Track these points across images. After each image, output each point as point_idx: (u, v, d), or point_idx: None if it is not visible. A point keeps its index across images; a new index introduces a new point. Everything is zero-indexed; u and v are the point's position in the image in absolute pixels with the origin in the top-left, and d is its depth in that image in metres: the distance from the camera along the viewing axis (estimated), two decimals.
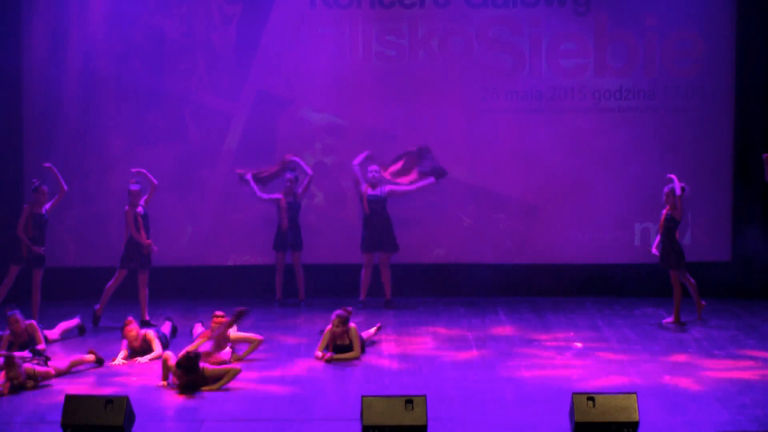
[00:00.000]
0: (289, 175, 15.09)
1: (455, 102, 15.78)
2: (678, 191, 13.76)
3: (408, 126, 15.78)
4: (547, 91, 15.78)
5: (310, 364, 11.97)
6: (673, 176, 13.89)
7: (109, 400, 9.15)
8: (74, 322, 13.54)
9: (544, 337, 13.39)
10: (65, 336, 13.28)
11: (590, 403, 9.14)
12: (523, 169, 15.82)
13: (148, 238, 13.95)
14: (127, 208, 13.92)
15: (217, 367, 11.21)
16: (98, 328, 13.83)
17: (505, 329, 13.79)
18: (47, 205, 13.93)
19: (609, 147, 15.77)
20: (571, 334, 13.50)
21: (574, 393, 9.26)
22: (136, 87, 15.73)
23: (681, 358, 12.24)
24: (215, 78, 15.80)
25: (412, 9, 15.77)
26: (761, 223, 15.57)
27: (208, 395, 10.82)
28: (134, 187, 13.94)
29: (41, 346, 12.28)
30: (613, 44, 15.76)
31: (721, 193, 15.73)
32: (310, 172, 15.18)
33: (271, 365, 12.00)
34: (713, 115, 15.75)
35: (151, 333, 12.46)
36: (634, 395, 9.24)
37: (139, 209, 13.93)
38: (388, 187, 15.02)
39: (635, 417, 9.14)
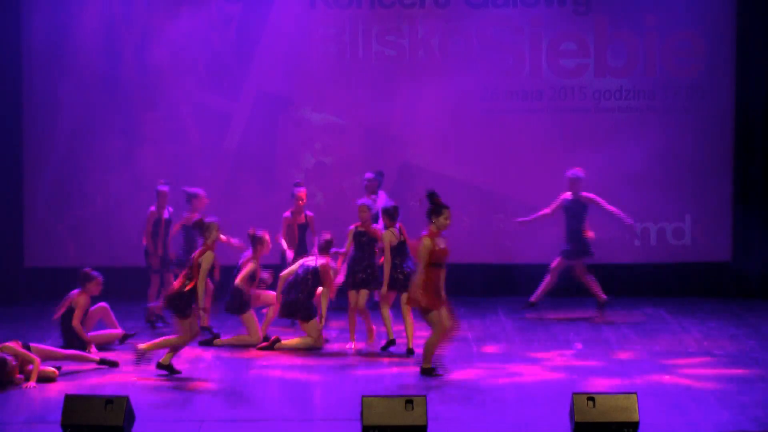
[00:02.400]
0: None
1: (455, 102, 15.78)
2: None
3: (408, 126, 15.78)
4: (547, 91, 15.78)
5: (310, 365, 11.97)
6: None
7: (109, 400, 9.15)
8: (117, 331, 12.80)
9: (544, 336, 13.39)
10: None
11: (590, 403, 9.14)
12: (523, 169, 15.82)
13: (164, 244, 13.75)
14: (153, 208, 13.78)
15: None
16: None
17: (505, 329, 13.79)
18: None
19: (609, 147, 15.76)
20: (571, 334, 13.50)
21: (574, 393, 9.26)
22: (136, 87, 15.73)
23: (681, 358, 12.24)
24: (215, 78, 15.80)
25: (412, 9, 15.77)
26: (761, 223, 15.56)
27: (207, 395, 10.83)
28: (163, 188, 13.77)
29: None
30: (613, 44, 15.75)
31: (721, 194, 15.72)
32: None
33: (271, 365, 12.01)
34: (713, 115, 15.75)
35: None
36: (634, 395, 9.24)
37: (165, 214, 13.77)
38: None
39: (635, 417, 9.14)
